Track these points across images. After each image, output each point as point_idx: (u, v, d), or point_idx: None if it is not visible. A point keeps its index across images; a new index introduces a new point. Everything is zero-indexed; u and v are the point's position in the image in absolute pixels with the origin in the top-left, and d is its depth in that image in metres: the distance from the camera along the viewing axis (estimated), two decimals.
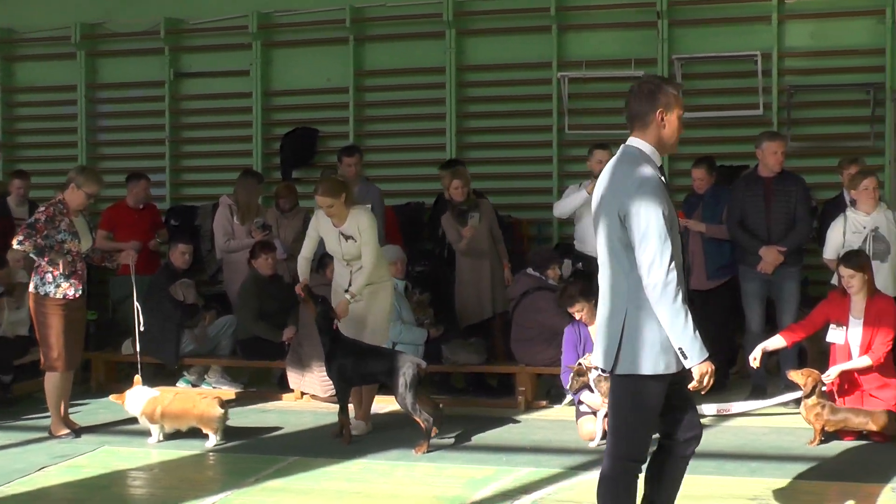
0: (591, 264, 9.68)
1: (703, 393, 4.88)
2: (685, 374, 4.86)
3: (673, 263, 4.72)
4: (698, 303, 9.80)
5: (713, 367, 4.81)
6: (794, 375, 8.06)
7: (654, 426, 5.03)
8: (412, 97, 13.03)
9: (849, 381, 8.16)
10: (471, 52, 12.89)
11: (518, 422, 8.98)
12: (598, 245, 4.98)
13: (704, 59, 12.17)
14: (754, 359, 8.13)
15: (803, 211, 9.43)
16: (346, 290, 8.43)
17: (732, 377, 10.05)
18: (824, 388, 8.05)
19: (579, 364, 8.02)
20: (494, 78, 12.84)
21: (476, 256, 10.09)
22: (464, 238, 10.03)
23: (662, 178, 4.88)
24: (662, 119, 4.90)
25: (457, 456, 7.90)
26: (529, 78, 12.72)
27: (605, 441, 5.25)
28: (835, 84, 11.92)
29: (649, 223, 4.71)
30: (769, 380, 9.37)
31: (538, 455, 7.83)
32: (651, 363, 4.81)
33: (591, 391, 8.04)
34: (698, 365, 4.76)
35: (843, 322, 8.15)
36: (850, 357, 8.12)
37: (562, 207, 10.17)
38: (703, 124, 12.12)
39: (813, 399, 7.91)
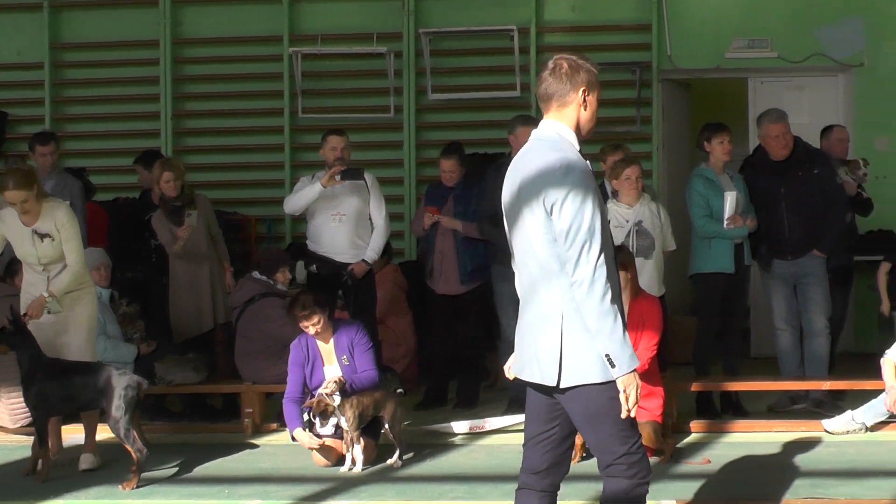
0: (327, 266, 9.75)
1: (631, 414, 4.78)
2: None
3: (602, 258, 4.72)
4: (451, 309, 10.06)
5: (640, 381, 4.79)
6: None
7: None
8: (120, 75, 12.83)
9: None
10: (189, 23, 12.78)
11: (245, 448, 8.94)
12: (516, 245, 4.97)
13: (455, 34, 12.45)
14: (509, 368, 8.29)
15: None
16: (47, 292, 8.15)
17: (487, 390, 10.29)
18: None
19: (320, 396, 8.01)
20: (216, 53, 12.77)
21: (193, 260, 9.98)
22: (179, 239, 9.89)
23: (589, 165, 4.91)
24: (585, 100, 4.94)
25: (172, 490, 7.76)
26: (257, 54, 12.71)
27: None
28: (598, 63, 12.29)
29: (577, 214, 4.71)
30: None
31: (267, 485, 7.79)
32: (600, 369, 4.74)
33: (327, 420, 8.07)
34: (625, 376, 4.72)
35: None
36: None
37: (293, 203, 10.09)
38: (454, 107, 12.42)
39: None
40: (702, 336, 9.60)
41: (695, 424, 9.09)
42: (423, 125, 12.63)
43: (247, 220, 12.26)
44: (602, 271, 4.70)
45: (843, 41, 12.29)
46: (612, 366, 4.70)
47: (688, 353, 9.88)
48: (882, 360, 8.25)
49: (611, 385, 4.75)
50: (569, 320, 4.77)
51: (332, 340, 8.35)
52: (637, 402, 4.76)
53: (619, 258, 8.17)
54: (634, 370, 4.74)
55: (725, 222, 9.27)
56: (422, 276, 10.44)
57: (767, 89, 12.51)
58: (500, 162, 10.02)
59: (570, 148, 4.88)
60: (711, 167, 9.49)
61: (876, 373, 8.44)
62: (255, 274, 9.70)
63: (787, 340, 9.70)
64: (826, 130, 10.50)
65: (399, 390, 8.34)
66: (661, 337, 8.40)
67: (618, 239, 9.09)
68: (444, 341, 10.21)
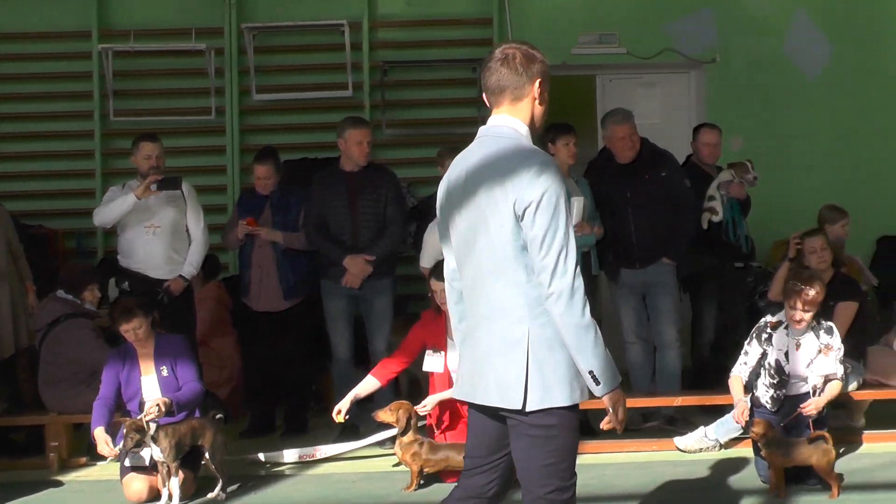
0: (140, 283, 9.64)
1: (619, 431, 4.84)
2: None
3: (579, 268, 4.69)
4: (274, 328, 9.99)
5: (626, 397, 4.80)
6: (384, 415, 8.29)
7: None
8: None
9: (451, 413, 8.47)
10: None
11: (50, 486, 8.74)
12: (467, 257, 4.89)
13: (281, 30, 12.38)
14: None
15: (395, 211, 9.76)
16: None
17: (319, 415, 10.26)
18: (423, 423, 8.36)
19: (137, 420, 7.89)
20: (16, 50, 12.50)
21: None
22: None
23: None
24: (540, 93, 4.88)
25: None
26: (63, 51, 12.49)
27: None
28: (436, 60, 12.46)
29: (553, 219, 4.64)
30: (363, 416, 9.56)
31: None
32: (566, 391, 4.72)
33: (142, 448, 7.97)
34: (611, 394, 4.72)
35: (439, 346, 8.46)
36: (450, 385, 8.37)
37: (104, 214, 9.91)
38: (281, 108, 12.36)
39: (409, 436, 8.18)
40: None
41: None
42: (248, 128, 12.54)
43: (53, 234, 12.02)
44: (580, 282, 4.66)
45: (694, 36, 12.52)
46: (597, 383, 4.67)
47: None
48: (730, 377, 8.45)
49: (573, 411, 4.74)
50: (536, 337, 4.70)
51: (151, 349, 8.28)
52: (625, 418, 4.79)
53: None
54: (619, 385, 4.73)
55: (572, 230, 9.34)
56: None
57: (616, 87, 12.70)
58: (330, 169, 9.99)
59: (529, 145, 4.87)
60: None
61: (726, 388, 8.62)
62: (60, 293, 9.53)
63: (638, 354, 9.86)
64: (695, 131, 10.66)
65: (219, 416, 8.25)
66: None
67: None
68: (267, 363, 10.14)
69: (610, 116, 9.87)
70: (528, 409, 4.70)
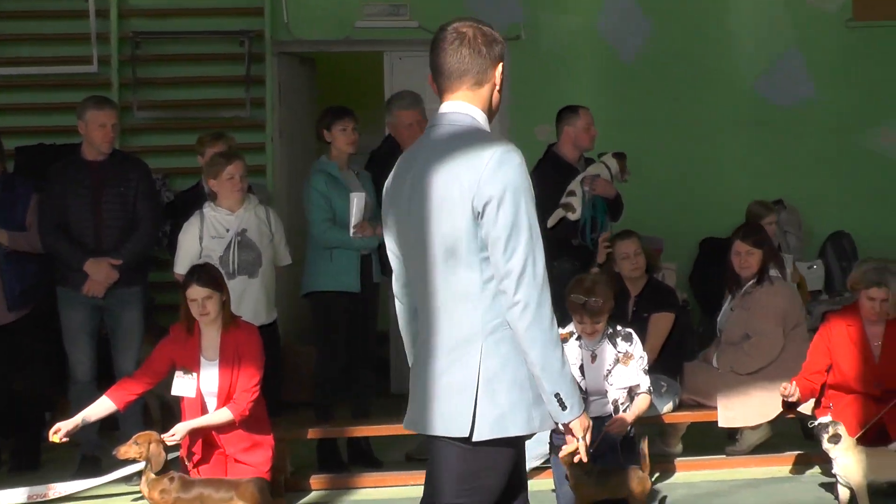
0: None
1: (585, 460, 4.94)
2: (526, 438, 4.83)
3: (546, 276, 4.67)
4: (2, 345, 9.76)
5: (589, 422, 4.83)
6: (126, 451, 8.05)
7: None
8: None
9: (205, 443, 8.36)
10: None
11: None
12: (414, 261, 4.88)
13: None
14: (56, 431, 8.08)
15: (147, 207, 9.59)
16: None
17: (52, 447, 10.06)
18: (176, 455, 8.24)
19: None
20: None
21: None
22: None
23: None
24: (501, 79, 4.90)
25: None
26: None
27: None
28: (198, 31, 12.35)
29: (518, 217, 4.62)
30: (105, 447, 9.36)
31: None
32: (523, 419, 4.71)
33: None
34: (580, 418, 4.76)
35: (191, 367, 8.32)
36: (204, 411, 8.34)
37: None
38: (13, 85, 12.11)
39: (157, 471, 8.00)
40: (323, 370, 9.59)
41: (316, 480, 9.16)
42: None
43: None
44: (548, 292, 4.66)
45: (495, 9, 12.56)
46: (563, 407, 4.68)
47: (307, 391, 9.91)
48: None
49: (521, 441, 4.77)
50: (488, 356, 4.69)
51: None
52: (590, 445, 4.86)
53: (207, 278, 8.27)
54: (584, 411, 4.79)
55: (352, 230, 9.32)
56: None
57: (407, 66, 12.66)
58: (70, 157, 9.78)
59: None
60: (335, 160, 9.54)
61: None
62: None
63: None
64: (569, 114, 10.23)
65: None
66: (269, 373, 8.43)
67: (216, 252, 9.07)
68: None
69: (396, 100, 9.86)
70: (475, 439, 4.69)
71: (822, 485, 8.87)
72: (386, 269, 9.63)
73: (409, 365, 5.12)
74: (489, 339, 4.69)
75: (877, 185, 12.96)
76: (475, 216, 4.66)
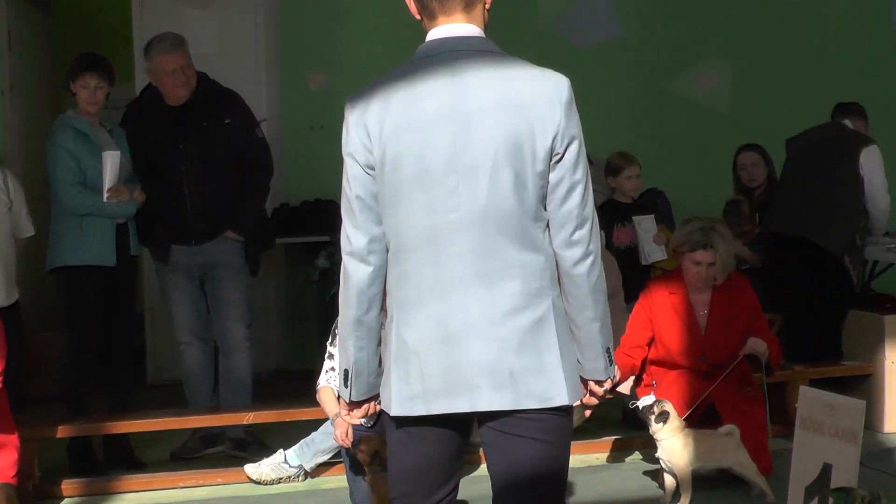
0: None
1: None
2: None
3: None
4: None
5: None
6: None
7: None
8: None
9: None
10: None
11: None
12: (460, 206, 4.67)
13: None
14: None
15: None
16: None
17: None
18: None
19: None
20: None
21: None
22: None
23: None
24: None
25: None
26: None
27: None
28: None
29: (585, 162, 4.74)
30: None
31: None
32: (576, 383, 4.82)
33: None
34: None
35: None
36: None
37: None
38: None
39: None
40: (73, 356, 9.40)
41: (68, 485, 9.02)
42: None
43: None
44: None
45: None
46: (610, 363, 4.88)
47: (55, 382, 9.70)
48: (318, 390, 8.27)
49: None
50: (559, 313, 4.75)
51: None
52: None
53: None
54: None
55: (105, 194, 9.15)
56: None
57: (158, 6, 12.50)
58: None
59: None
60: (83, 115, 9.33)
61: (312, 400, 8.50)
62: None
63: (195, 359, 9.78)
64: None
65: None
66: (11, 363, 8.24)
67: None
68: None
69: (156, 43, 9.63)
70: (566, 404, 4.73)
71: (646, 472, 9.00)
72: (144, 239, 9.54)
73: (336, 344, 5.12)
74: (557, 296, 4.76)
75: (692, 137, 13.12)
76: (547, 157, 4.69)
